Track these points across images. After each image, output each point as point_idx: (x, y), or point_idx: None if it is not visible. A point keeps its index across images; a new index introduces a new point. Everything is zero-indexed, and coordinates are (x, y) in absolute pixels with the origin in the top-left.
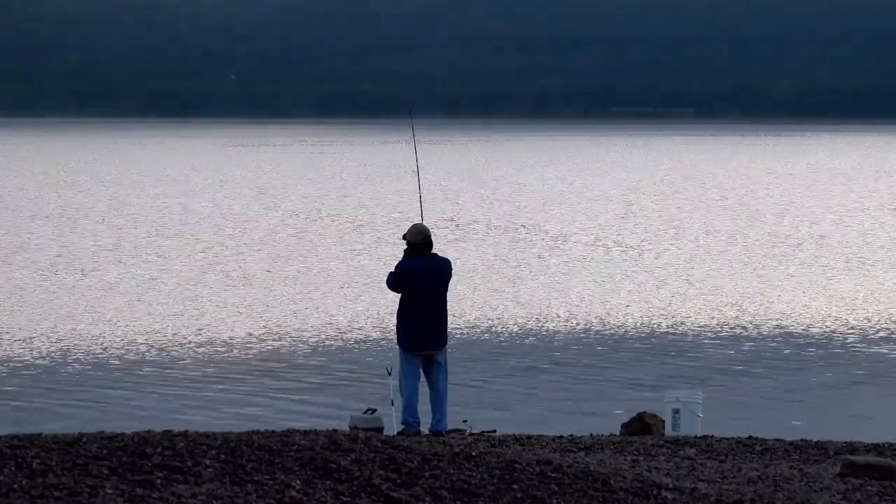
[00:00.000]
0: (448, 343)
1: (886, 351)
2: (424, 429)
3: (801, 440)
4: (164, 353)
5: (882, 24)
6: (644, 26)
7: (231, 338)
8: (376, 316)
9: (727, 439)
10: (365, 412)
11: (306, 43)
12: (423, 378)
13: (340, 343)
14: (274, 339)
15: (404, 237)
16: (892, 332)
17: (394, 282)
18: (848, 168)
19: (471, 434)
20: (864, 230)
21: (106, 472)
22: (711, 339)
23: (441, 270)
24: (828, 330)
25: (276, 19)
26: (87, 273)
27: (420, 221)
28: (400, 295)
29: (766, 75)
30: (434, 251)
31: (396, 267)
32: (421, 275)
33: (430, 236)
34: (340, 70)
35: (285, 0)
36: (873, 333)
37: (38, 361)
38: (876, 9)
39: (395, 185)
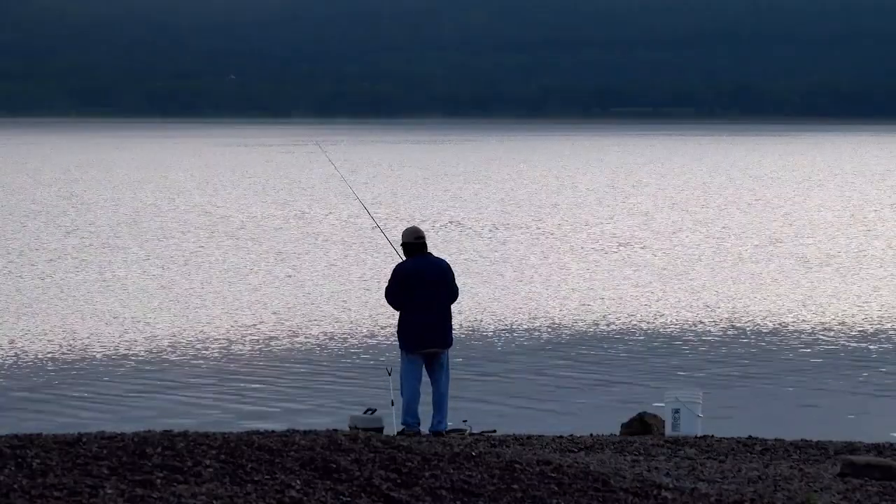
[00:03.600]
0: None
1: (887, 351)
2: (424, 429)
3: (801, 440)
4: (164, 354)
5: (882, 24)
6: (644, 26)
7: (231, 338)
8: (376, 316)
9: (727, 439)
10: (365, 412)
11: (306, 43)
12: (423, 378)
13: (340, 343)
14: (274, 340)
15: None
16: (893, 332)
17: (392, 291)
18: (849, 168)
19: (471, 434)
20: (865, 230)
21: (106, 471)
22: (711, 339)
23: (439, 269)
24: (828, 330)
25: (276, 19)
26: (87, 272)
27: (409, 224)
28: (400, 304)
29: (766, 75)
30: (431, 251)
31: (393, 270)
32: (418, 274)
33: (423, 236)
34: (340, 70)
35: (285, 0)
36: (873, 333)
37: (38, 362)
38: (876, 9)
39: (394, 185)
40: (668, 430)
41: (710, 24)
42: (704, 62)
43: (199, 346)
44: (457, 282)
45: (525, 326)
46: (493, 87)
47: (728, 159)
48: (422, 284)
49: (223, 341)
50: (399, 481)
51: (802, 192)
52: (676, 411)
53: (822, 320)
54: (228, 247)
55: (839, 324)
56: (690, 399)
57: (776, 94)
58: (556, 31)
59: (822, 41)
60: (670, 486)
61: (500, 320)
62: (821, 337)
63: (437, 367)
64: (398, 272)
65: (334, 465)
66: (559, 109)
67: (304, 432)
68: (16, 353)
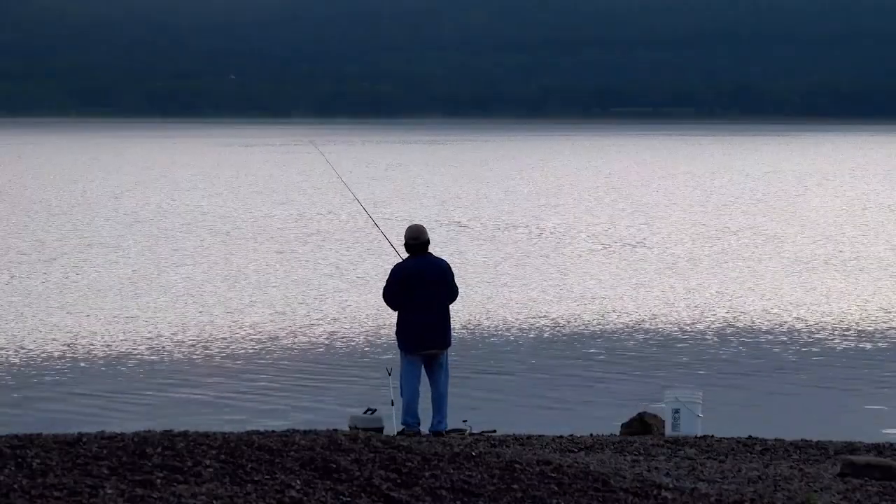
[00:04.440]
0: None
1: (887, 351)
2: (424, 429)
3: (801, 440)
4: (164, 354)
5: (882, 24)
6: (644, 26)
7: (231, 338)
8: (376, 316)
9: (727, 439)
10: (365, 412)
11: (306, 43)
12: (423, 378)
13: (340, 343)
14: (274, 339)
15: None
16: (893, 333)
17: (392, 291)
18: (848, 168)
19: (471, 434)
20: (865, 230)
21: (106, 471)
22: (711, 338)
23: (438, 269)
24: (828, 330)
25: (276, 19)
26: (87, 272)
27: (415, 223)
28: (399, 304)
29: (766, 75)
30: (431, 251)
31: (392, 270)
32: (418, 274)
33: (421, 237)
34: (340, 70)
35: (285, 0)
36: (873, 334)
37: (37, 361)
38: (876, 9)
39: (393, 186)
40: (668, 430)
41: (710, 24)
42: (704, 62)
43: (198, 345)
44: (456, 282)
45: (525, 326)
46: (493, 87)
47: (728, 159)
48: (422, 284)
49: (223, 341)
50: (399, 481)
51: (802, 191)
52: (676, 411)
53: (822, 320)
54: (228, 246)
55: (839, 324)
56: (690, 399)
57: (776, 94)
58: (556, 31)
59: (822, 41)
60: (670, 486)
61: (500, 320)
62: (821, 337)
63: (436, 368)
64: (396, 272)
65: (334, 465)
66: (559, 109)
67: (304, 432)
68: (16, 353)
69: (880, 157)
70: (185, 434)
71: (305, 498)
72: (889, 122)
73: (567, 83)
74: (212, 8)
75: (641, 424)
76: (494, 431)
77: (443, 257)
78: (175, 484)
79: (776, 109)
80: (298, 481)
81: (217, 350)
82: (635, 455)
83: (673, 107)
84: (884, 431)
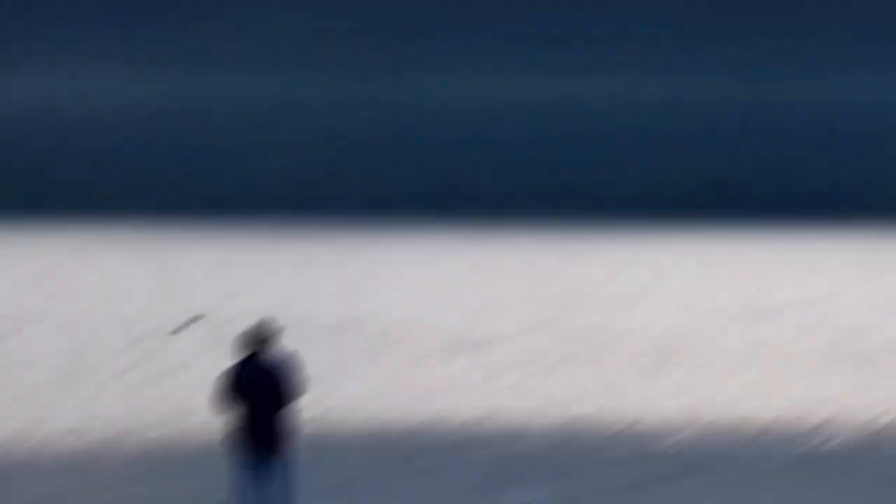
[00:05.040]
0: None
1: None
2: None
3: None
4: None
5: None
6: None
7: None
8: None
9: None
10: None
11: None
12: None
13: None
14: None
15: None
16: (890, 335)
17: (218, 400)
18: None
19: None
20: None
21: None
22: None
23: (270, 374)
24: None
25: None
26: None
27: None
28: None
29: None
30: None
31: (220, 376)
32: (247, 381)
33: (257, 336)
34: None
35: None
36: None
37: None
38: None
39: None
40: None
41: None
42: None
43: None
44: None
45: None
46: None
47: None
48: (252, 391)
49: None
50: None
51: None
52: None
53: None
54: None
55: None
56: None
57: None
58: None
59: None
60: None
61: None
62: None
63: (274, 477)
64: (223, 379)
65: None
66: None
67: None
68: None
69: None
70: None
71: None
72: None
73: None
74: None
75: None
76: None
77: (283, 354)
78: None
79: None
80: None
81: None
82: None
83: None
84: None
